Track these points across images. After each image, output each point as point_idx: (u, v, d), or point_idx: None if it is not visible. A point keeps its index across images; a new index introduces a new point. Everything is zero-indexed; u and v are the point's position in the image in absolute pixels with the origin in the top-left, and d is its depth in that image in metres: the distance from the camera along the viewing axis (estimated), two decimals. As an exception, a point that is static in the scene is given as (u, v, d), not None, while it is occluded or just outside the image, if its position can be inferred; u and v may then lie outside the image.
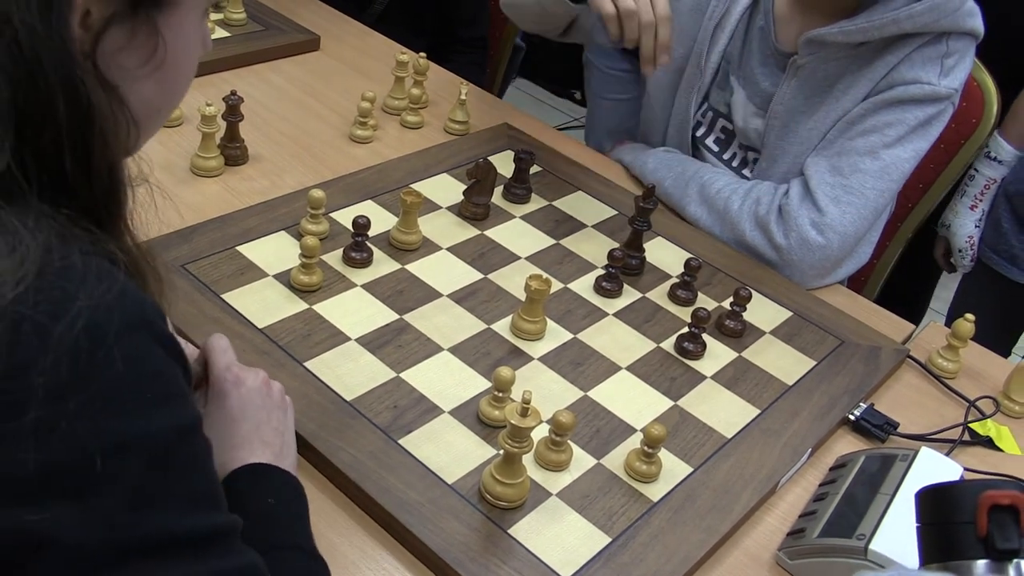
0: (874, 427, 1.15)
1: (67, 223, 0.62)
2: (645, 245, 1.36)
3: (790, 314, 1.32)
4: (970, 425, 1.19)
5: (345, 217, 1.32)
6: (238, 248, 1.25)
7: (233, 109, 1.43)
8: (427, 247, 1.32)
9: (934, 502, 0.74)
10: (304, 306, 1.18)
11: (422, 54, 1.68)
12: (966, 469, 1.09)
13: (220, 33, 1.75)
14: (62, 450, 0.58)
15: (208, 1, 0.73)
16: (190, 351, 1.02)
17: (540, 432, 1.02)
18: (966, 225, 1.85)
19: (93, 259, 0.62)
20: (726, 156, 1.61)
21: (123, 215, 0.70)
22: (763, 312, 1.31)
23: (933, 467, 1.03)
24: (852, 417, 1.16)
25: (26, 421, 0.57)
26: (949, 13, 1.36)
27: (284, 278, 1.21)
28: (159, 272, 0.74)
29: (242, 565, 0.69)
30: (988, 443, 1.18)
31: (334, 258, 1.26)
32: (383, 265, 1.27)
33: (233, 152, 1.44)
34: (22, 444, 0.57)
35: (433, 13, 2.12)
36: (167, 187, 1.36)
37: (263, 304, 1.17)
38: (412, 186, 1.40)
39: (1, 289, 0.57)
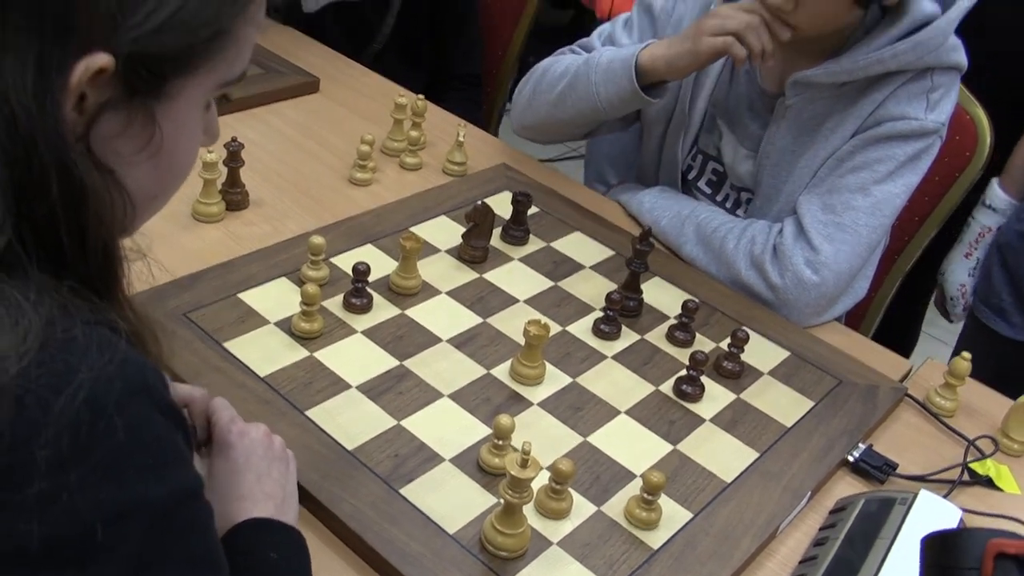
0: (873, 468, 1.15)
1: (69, 295, 0.63)
2: (643, 285, 1.36)
3: (788, 354, 1.32)
4: (969, 465, 1.18)
5: (345, 262, 1.32)
6: (239, 295, 1.25)
7: (234, 155, 1.43)
8: (426, 291, 1.32)
9: (940, 548, 0.74)
10: (305, 353, 1.18)
11: (420, 96, 1.69)
12: (965, 511, 1.08)
13: (220, 77, 1.76)
14: (64, 522, 0.58)
15: (211, 93, 0.73)
16: (188, 391, 1.03)
17: (540, 480, 1.02)
18: (958, 273, 1.85)
19: (95, 329, 0.62)
20: (719, 198, 1.61)
21: (120, 287, 0.71)
22: (761, 352, 1.31)
23: (932, 511, 1.03)
24: (851, 458, 1.16)
25: (29, 494, 0.57)
26: (933, 49, 1.37)
27: (285, 325, 1.21)
28: (158, 335, 0.74)
29: None
30: (988, 483, 1.17)
31: (334, 304, 1.26)
32: (383, 310, 1.27)
33: (234, 197, 1.45)
34: (25, 516, 0.57)
35: (428, 51, 2.13)
36: (169, 234, 1.39)
37: (264, 352, 1.17)
38: (411, 229, 1.41)
39: (5, 364, 0.57)
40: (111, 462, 0.60)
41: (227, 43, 0.69)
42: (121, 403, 0.60)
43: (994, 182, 1.82)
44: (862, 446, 1.17)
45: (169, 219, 1.41)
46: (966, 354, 1.26)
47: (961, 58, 1.42)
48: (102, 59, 0.61)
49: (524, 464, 0.93)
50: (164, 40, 0.64)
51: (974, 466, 1.18)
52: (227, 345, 1.17)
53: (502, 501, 0.96)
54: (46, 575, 0.58)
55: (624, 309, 1.32)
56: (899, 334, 2.20)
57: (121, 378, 0.61)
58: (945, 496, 1.11)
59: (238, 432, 0.96)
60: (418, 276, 1.31)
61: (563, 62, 1.58)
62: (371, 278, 1.26)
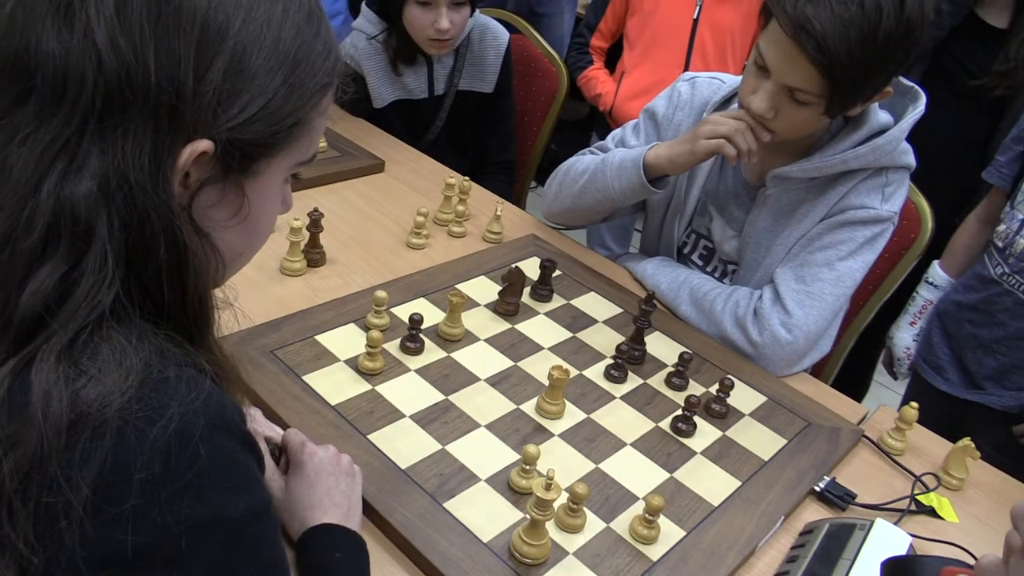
0: (836, 498, 1.12)
1: (164, 340, 0.62)
2: (646, 339, 1.35)
3: (765, 399, 1.30)
4: (916, 497, 1.15)
5: (402, 312, 1.31)
6: (316, 337, 1.24)
7: (315, 222, 1.44)
8: (468, 338, 1.31)
9: (898, 572, 0.72)
10: (368, 387, 1.17)
11: (466, 178, 1.69)
12: (913, 536, 1.06)
13: (305, 158, 1.77)
14: (153, 533, 0.57)
15: (288, 171, 0.73)
16: (267, 426, 1.02)
17: (560, 500, 1.00)
18: (905, 338, 1.82)
19: (185, 371, 0.62)
20: (709, 269, 1.60)
21: (211, 332, 0.70)
22: (743, 397, 1.29)
23: (886, 536, 1.01)
24: (817, 489, 1.13)
25: (126, 508, 0.56)
26: (887, 153, 1.36)
27: (352, 363, 1.20)
28: (239, 376, 0.74)
29: None
30: (931, 512, 1.14)
31: (393, 346, 1.25)
32: (433, 353, 1.26)
33: (314, 256, 1.45)
34: (121, 527, 0.56)
35: (473, 141, 2.13)
36: (261, 285, 1.39)
37: (335, 385, 1.16)
38: (457, 287, 1.40)
39: (110, 398, 0.57)
40: (195, 484, 0.59)
41: (303, 130, 0.70)
42: (205, 434, 0.60)
43: (935, 263, 1.80)
44: (827, 478, 1.15)
45: (261, 272, 1.41)
46: (914, 404, 1.24)
47: (911, 160, 1.41)
48: (204, 144, 0.62)
49: (548, 487, 0.92)
50: (254, 129, 0.64)
51: (920, 498, 1.15)
52: (305, 378, 1.16)
53: (528, 517, 0.94)
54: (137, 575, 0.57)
55: (630, 357, 1.30)
56: (855, 381, 2.17)
57: (205, 413, 0.60)
58: (896, 523, 1.09)
59: (308, 452, 0.95)
60: (462, 326, 1.30)
61: (583, 161, 1.58)
62: (423, 326, 1.26)
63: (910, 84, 1.40)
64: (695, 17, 2.09)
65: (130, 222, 0.60)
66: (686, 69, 2.13)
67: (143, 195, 0.59)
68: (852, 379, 2.09)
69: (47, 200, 0.57)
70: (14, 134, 0.58)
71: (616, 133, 1.64)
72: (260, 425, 1.02)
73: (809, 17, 1.17)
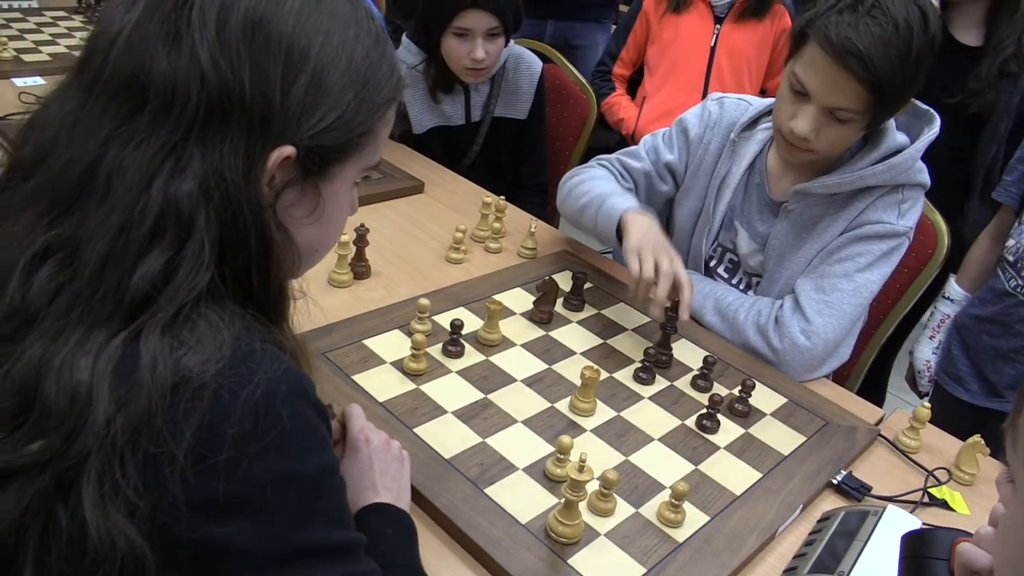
0: (852, 489, 1.18)
1: (252, 320, 0.71)
2: (673, 345, 1.42)
3: (785, 400, 1.36)
4: (929, 490, 1.21)
5: (444, 319, 1.40)
6: (364, 342, 1.33)
7: (361, 237, 1.53)
8: (505, 344, 1.38)
9: (917, 542, 0.78)
10: (413, 386, 1.25)
11: (502, 197, 1.78)
12: (925, 525, 1.12)
13: (350, 180, 1.87)
14: (243, 482, 0.65)
15: (357, 175, 0.81)
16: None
17: (592, 486, 1.07)
18: (925, 352, 1.88)
19: (268, 346, 0.70)
20: (734, 280, 1.67)
21: (287, 317, 0.79)
22: (764, 398, 1.35)
23: (898, 521, 1.07)
24: (835, 481, 1.19)
25: (220, 460, 0.64)
26: (903, 171, 1.43)
27: (398, 365, 1.28)
28: (308, 357, 0.82)
29: (368, 570, 0.75)
30: (943, 505, 1.20)
31: (436, 351, 1.33)
32: (472, 356, 1.34)
33: (360, 269, 1.54)
34: (216, 475, 0.64)
35: (508, 165, 2.23)
36: (312, 294, 1.47)
37: (382, 384, 1.24)
38: (495, 297, 1.49)
39: (207, 366, 0.65)
40: (278, 441, 0.66)
41: (371, 139, 0.78)
42: (286, 399, 0.67)
43: (951, 278, 1.86)
44: (844, 472, 1.21)
45: (311, 283, 1.48)
46: (927, 403, 1.30)
47: (925, 178, 1.48)
48: (288, 150, 0.71)
49: (581, 469, 0.99)
50: (330, 137, 0.73)
51: (933, 491, 1.21)
52: (355, 378, 1.25)
53: (563, 500, 1.02)
54: (228, 519, 0.65)
55: (657, 361, 1.37)
56: (874, 393, 2.21)
57: (287, 381, 0.68)
58: (910, 513, 1.15)
59: (365, 438, 1.03)
60: (499, 332, 1.38)
61: (588, 182, 1.62)
62: (464, 332, 1.34)
63: (925, 108, 1.47)
64: (712, 44, 2.18)
65: (225, 216, 0.68)
66: (704, 93, 2.22)
67: (237, 192, 0.68)
68: (871, 390, 2.15)
69: (157, 196, 0.67)
70: (130, 140, 0.68)
71: (647, 140, 1.71)
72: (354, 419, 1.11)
73: (853, 40, 1.27)
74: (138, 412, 0.63)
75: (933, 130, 1.43)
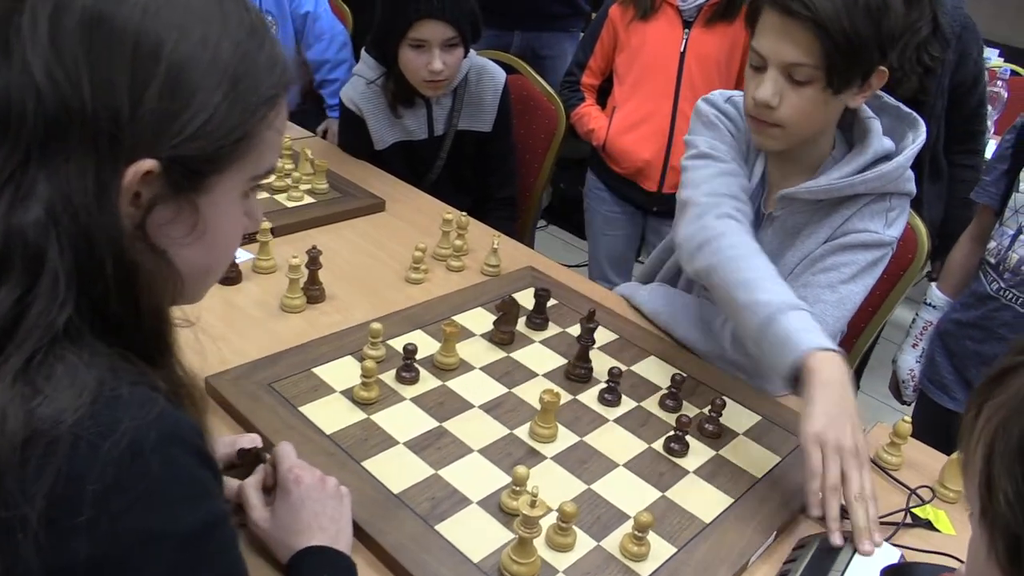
0: (829, 513, 1.12)
1: (119, 359, 0.64)
2: (642, 363, 1.36)
3: (759, 418, 1.30)
4: (912, 510, 1.15)
5: (399, 343, 1.33)
6: (313, 370, 1.26)
7: (314, 260, 1.47)
8: (464, 367, 1.32)
9: None
10: (363, 416, 1.19)
11: (463, 213, 1.72)
12: (908, 548, 1.05)
13: (307, 200, 1.82)
14: (107, 544, 0.58)
15: (245, 185, 0.73)
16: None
17: (551, 519, 1.01)
18: (908, 360, 1.83)
19: (140, 388, 0.63)
20: None
21: (171, 350, 0.71)
22: (737, 417, 1.29)
23: (876, 551, 1.00)
24: (811, 505, 1.13)
25: (80, 521, 0.57)
26: (893, 180, 1.38)
27: (348, 393, 1.22)
28: (202, 396, 0.75)
29: None
30: (928, 525, 1.14)
31: (389, 377, 1.27)
32: (428, 382, 1.28)
33: (314, 293, 1.48)
34: (76, 538, 0.57)
35: (473, 180, 2.17)
36: (262, 321, 1.42)
37: (330, 414, 1.18)
38: (453, 318, 1.43)
39: (64, 415, 0.58)
40: (146, 495, 0.60)
41: (252, 145, 0.70)
42: (157, 447, 0.61)
43: (932, 285, 1.81)
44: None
45: (262, 309, 1.44)
46: (907, 417, 1.24)
47: (912, 187, 1.42)
48: (147, 164, 0.63)
49: (533, 504, 0.93)
50: (197, 146, 0.65)
51: (916, 511, 1.15)
52: (301, 409, 1.18)
53: (517, 536, 0.96)
54: None
55: (578, 376, 1.32)
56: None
57: (158, 427, 0.61)
58: (891, 536, 1.08)
59: (295, 479, 0.97)
60: (457, 355, 1.32)
61: (746, 274, 1.26)
62: (419, 356, 1.28)
63: (909, 111, 1.42)
64: (682, 50, 2.12)
65: (78, 244, 0.61)
66: (676, 100, 2.16)
67: (88, 217, 0.61)
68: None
69: None
70: None
71: (700, 144, 1.47)
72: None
73: None
74: None
75: (920, 137, 1.38)
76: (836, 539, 1.03)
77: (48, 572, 0.57)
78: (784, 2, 1.25)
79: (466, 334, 1.41)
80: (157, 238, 0.67)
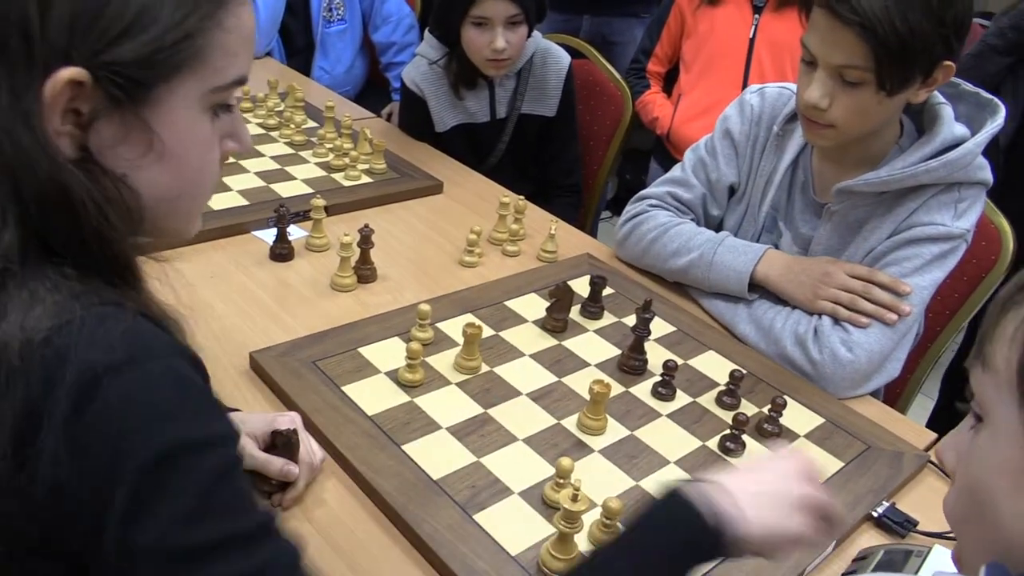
0: (895, 524, 1.05)
1: (77, 283, 0.61)
2: (699, 357, 1.30)
3: (823, 420, 1.23)
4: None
5: (450, 326, 1.30)
6: (359, 349, 1.24)
7: (366, 239, 1.44)
8: (513, 353, 1.28)
9: None
10: (407, 399, 1.16)
11: (521, 197, 1.68)
12: (980, 567, 0.98)
13: (364, 179, 1.79)
14: (76, 469, 0.57)
15: (206, 99, 0.66)
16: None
17: (594, 515, 0.96)
18: None
19: (100, 309, 0.60)
20: None
21: (135, 274, 0.68)
22: (798, 418, 1.22)
23: (945, 563, 0.93)
24: (875, 514, 1.06)
25: (47, 442, 0.56)
26: (961, 168, 1.29)
27: (393, 375, 1.19)
28: (179, 326, 0.70)
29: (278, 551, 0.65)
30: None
31: (436, 359, 1.24)
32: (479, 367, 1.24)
33: (365, 272, 1.46)
34: (46, 460, 0.56)
35: (534, 165, 2.13)
36: (312, 299, 1.40)
37: (374, 396, 1.15)
38: (505, 303, 1.39)
39: (27, 335, 0.57)
40: (105, 419, 0.58)
41: (201, 49, 0.63)
42: (115, 367, 0.58)
43: None
44: (886, 503, 1.08)
45: (312, 288, 1.42)
46: None
47: (987, 175, 1.33)
48: (68, 72, 0.58)
49: (575, 499, 0.89)
50: (129, 49, 0.60)
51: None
52: (344, 388, 1.16)
53: (557, 530, 0.91)
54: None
55: (631, 368, 1.26)
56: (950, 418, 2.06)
57: (123, 347, 0.59)
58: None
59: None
60: (479, 358, 1.24)
61: (675, 236, 1.50)
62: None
63: (989, 96, 1.33)
64: (751, 36, 2.04)
65: (8, 166, 0.59)
66: (744, 88, 2.09)
67: (10, 138, 0.58)
68: (944, 416, 1.99)
69: None
70: None
71: (690, 158, 1.57)
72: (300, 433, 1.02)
73: None
74: None
75: (997, 121, 1.29)
76: None
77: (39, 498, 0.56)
78: (831, 4, 1.18)
79: (518, 320, 1.37)
80: (108, 160, 0.63)
